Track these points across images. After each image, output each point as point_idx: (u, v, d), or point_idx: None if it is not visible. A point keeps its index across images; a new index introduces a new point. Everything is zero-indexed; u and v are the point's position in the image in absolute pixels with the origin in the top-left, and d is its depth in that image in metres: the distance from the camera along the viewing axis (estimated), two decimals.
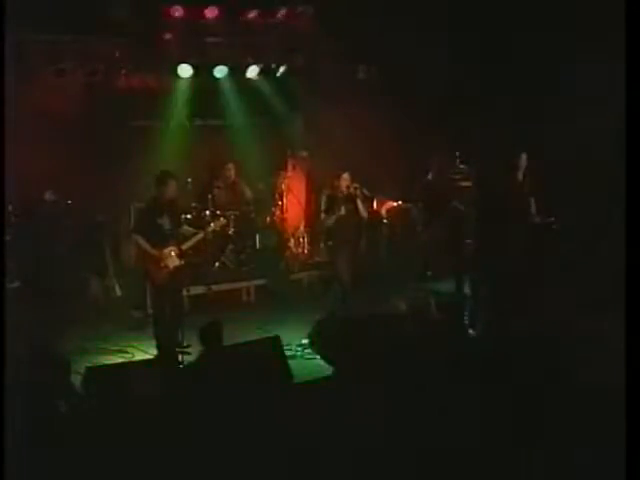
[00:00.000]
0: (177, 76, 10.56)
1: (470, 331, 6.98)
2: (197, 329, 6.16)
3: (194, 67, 10.50)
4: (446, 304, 6.74)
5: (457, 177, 10.60)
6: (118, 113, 10.36)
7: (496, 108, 10.26)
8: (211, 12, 10.15)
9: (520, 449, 3.61)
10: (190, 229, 8.39)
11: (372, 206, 10.83)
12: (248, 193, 10.82)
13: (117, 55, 10.08)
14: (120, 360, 7.60)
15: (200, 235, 8.25)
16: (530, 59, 10.10)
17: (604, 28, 8.29)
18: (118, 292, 9.55)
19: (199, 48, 10.52)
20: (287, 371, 5.97)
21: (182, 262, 7.99)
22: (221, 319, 6.22)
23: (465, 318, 7.46)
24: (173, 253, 7.88)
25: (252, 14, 10.46)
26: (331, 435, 3.70)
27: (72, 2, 9.07)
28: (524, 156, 9.35)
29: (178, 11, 9.94)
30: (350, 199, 8.78)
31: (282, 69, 11.14)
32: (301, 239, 11.43)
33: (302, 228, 11.55)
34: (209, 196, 10.42)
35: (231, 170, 10.72)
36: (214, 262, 10.43)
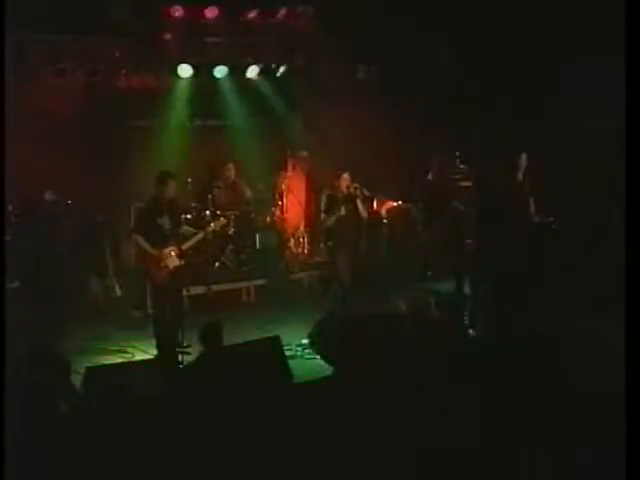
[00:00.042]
0: (177, 76, 10.56)
1: (470, 331, 6.98)
2: (197, 329, 6.16)
3: (194, 67, 10.50)
4: (446, 304, 6.74)
5: (457, 177, 10.60)
6: (118, 113, 10.36)
7: (496, 108, 10.27)
8: (211, 12, 10.15)
9: (520, 449, 3.61)
10: (190, 229, 8.39)
11: (372, 206, 10.83)
12: (248, 193, 10.82)
13: (117, 55, 10.08)
14: (120, 360, 7.60)
15: (200, 235, 8.25)
16: (530, 59, 10.10)
17: (604, 28, 8.29)
18: (118, 292, 9.55)
19: (199, 48, 10.52)
20: (287, 371, 5.97)
21: (182, 262, 7.99)
22: (221, 319, 6.22)
23: (465, 318, 7.46)
24: (173, 253, 7.88)
25: (252, 14, 10.47)
26: (331, 435, 3.70)
27: (72, 2, 9.07)
28: (524, 156, 9.35)
29: (178, 11, 9.95)
30: (350, 199, 8.78)
31: (282, 69, 11.14)
32: (301, 239, 11.43)
33: (302, 228, 11.55)
34: (209, 196, 10.42)
35: (231, 170, 10.72)
36: (214, 262, 10.43)
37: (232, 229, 10.48)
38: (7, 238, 8.30)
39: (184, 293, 8.59)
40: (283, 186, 11.40)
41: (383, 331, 4.84)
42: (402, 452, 3.65)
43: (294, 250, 11.36)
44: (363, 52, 11.25)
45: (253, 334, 7.62)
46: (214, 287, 9.86)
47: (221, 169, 10.75)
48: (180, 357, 7.26)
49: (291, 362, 6.37)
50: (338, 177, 8.83)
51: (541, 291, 8.08)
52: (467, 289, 8.96)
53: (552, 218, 9.15)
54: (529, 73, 10.19)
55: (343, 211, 8.74)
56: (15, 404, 4.06)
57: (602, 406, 3.86)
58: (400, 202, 11.19)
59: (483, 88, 10.61)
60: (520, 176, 9.21)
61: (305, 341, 7.40)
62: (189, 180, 10.43)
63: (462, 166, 11.08)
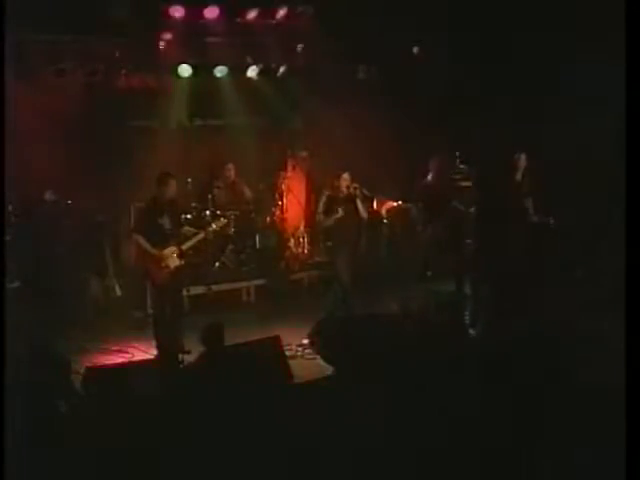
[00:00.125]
0: (177, 76, 10.55)
1: (470, 331, 6.98)
2: (197, 329, 6.16)
3: (194, 67, 10.48)
4: (446, 304, 6.75)
5: (457, 177, 10.60)
6: (118, 113, 10.35)
7: (496, 108, 10.26)
8: (211, 12, 10.13)
9: (520, 448, 3.61)
10: (190, 229, 8.39)
11: (372, 206, 10.82)
12: (248, 193, 10.81)
13: (117, 55, 10.06)
14: (120, 360, 7.60)
15: (201, 235, 8.24)
16: (530, 59, 10.10)
17: (604, 28, 8.29)
18: (118, 292, 9.55)
19: (199, 48, 10.50)
20: (287, 371, 5.97)
21: (182, 262, 7.99)
22: (221, 319, 6.22)
23: (465, 318, 7.47)
24: (174, 253, 7.88)
25: (252, 14, 10.45)
26: (331, 435, 3.70)
27: (72, 2, 9.06)
28: (524, 156, 9.36)
29: (178, 11, 9.93)
30: (350, 199, 8.78)
31: (282, 69, 11.13)
32: (301, 239, 11.42)
33: (302, 228, 11.54)
34: (209, 196, 10.42)
35: (231, 170, 10.71)
36: (214, 262, 10.43)
37: (232, 229, 10.48)
38: (7, 238, 8.30)
39: (184, 293, 8.59)
40: (283, 186, 11.39)
41: (383, 331, 4.84)
42: (402, 451, 3.65)
43: (294, 250, 11.35)
44: (363, 52, 11.24)
45: (253, 334, 7.61)
46: (214, 287, 9.87)
47: (221, 169, 10.74)
48: (180, 357, 7.26)
49: (291, 362, 6.37)
50: (338, 177, 8.83)
51: (541, 291, 8.08)
52: (467, 289, 8.96)
53: (552, 218, 9.16)
54: (529, 73, 10.19)
55: (343, 211, 8.74)
56: (15, 404, 4.06)
57: (602, 406, 3.87)
58: (400, 202, 11.18)
59: (483, 88, 10.60)
60: (520, 176, 9.22)
61: (305, 341, 7.40)
62: (189, 180, 10.42)
63: (462, 166, 11.08)
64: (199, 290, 9.73)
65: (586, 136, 9.23)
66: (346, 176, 8.80)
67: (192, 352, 7.37)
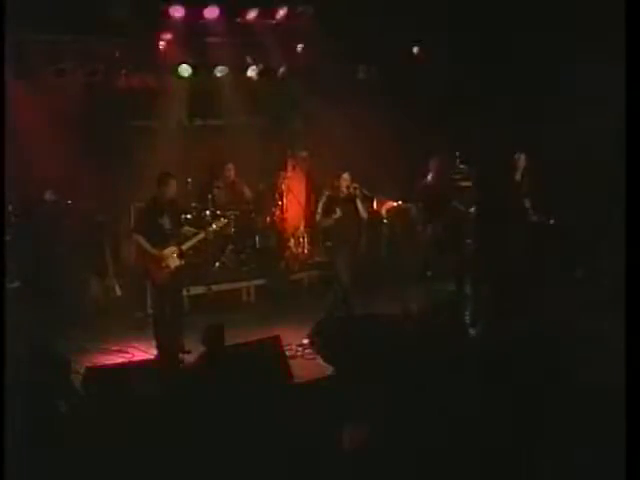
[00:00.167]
0: (177, 76, 10.54)
1: (470, 331, 6.98)
2: (197, 329, 6.16)
3: (194, 67, 10.48)
4: (446, 304, 6.75)
5: (457, 177, 10.60)
6: (118, 113, 10.35)
7: (496, 108, 10.26)
8: (211, 12, 10.13)
9: (520, 448, 3.61)
10: (190, 229, 8.39)
11: (372, 206, 10.82)
12: (248, 193, 10.81)
13: (117, 55, 10.06)
14: (120, 360, 7.60)
15: (201, 235, 8.25)
16: (530, 59, 10.10)
17: (604, 28, 8.29)
18: (118, 292, 9.55)
19: (199, 48, 10.50)
20: (287, 371, 5.97)
21: (183, 262, 7.99)
22: (221, 319, 6.23)
23: (465, 318, 7.47)
24: (174, 253, 7.89)
25: (252, 14, 10.45)
26: (331, 434, 3.70)
27: (72, 2, 9.06)
28: (523, 156, 9.36)
29: (178, 11, 9.92)
30: (350, 199, 8.78)
31: (282, 69, 11.13)
32: (301, 239, 11.42)
33: (302, 228, 11.55)
34: (209, 196, 10.42)
35: (231, 170, 10.71)
36: (214, 262, 10.43)
37: (232, 229, 10.47)
38: (7, 238, 8.30)
39: (184, 293, 8.58)
40: (283, 186, 11.39)
41: (383, 331, 4.84)
42: (402, 451, 3.65)
43: (294, 250, 11.35)
44: (363, 52, 11.24)
45: (253, 334, 7.61)
46: (214, 287, 9.87)
47: (221, 169, 10.74)
48: (180, 357, 7.26)
49: (291, 362, 6.37)
50: (338, 177, 8.83)
51: (541, 291, 8.08)
52: (467, 289, 8.95)
53: (552, 218, 9.16)
54: (529, 73, 10.18)
55: (343, 211, 8.74)
56: (15, 404, 4.06)
57: (602, 406, 3.87)
58: (400, 202, 11.18)
59: (483, 88, 10.60)
60: (520, 176, 9.23)
61: (305, 341, 7.40)
62: (189, 180, 10.42)
63: (462, 166, 11.08)
64: (199, 290, 9.73)
65: (586, 136, 9.22)
66: (346, 176, 8.80)
67: (192, 352, 7.38)
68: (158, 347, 7.86)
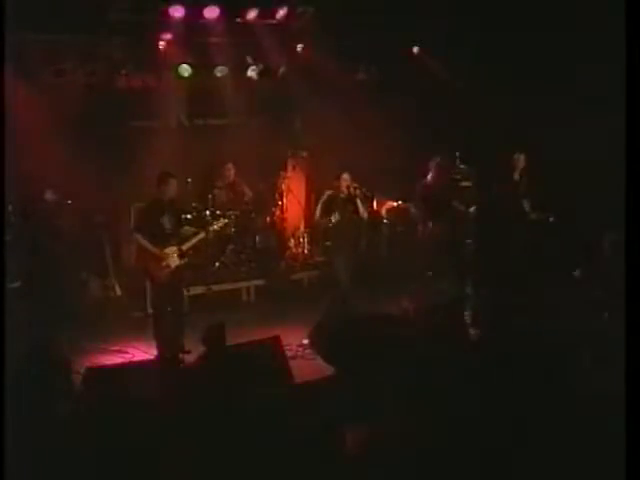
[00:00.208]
0: (177, 76, 10.55)
1: (470, 331, 6.98)
2: (197, 329, 6.15)
3: (194, 67, 10.48)
4: (446, 304, 6.74)
5: (457, 177, 10.60)
6: (118, 113, 10.35)
7: (496, 108, 10.26)
8: (211, 12, 10.13)
9: (520, 448, 3.61)
10: (191, 229, 8.39)
11: (372, 206, 10.82)
12: (248, 193, 10.81)
13: (117, 55, 10.07)
14: (120, 360, 7.60)
15: (202, 235, 8.25)
16: (530, 59, 10.09)
17: (604, 28, 8.29)
18: (118, 292, 9.55)
19: (199, 48, 10.51)
20: (287, 371, 5.97)
21: (183, 262, 8.00)
22: (221, 319, 6.22)
23: (465, 318, 7.47)
24: (174, 253, 7.89)
25: (252, 14, 10.45)
26: (332, 435, 3.70)
27: (72, 2, 9.06)
28: (523, 156, 9.36)
29: (178, 11, 9.93)
30: (350, 199, 8.78)
31: (282, 69, 11.13)
32: (301, 239, 11.42)
33: (302, 228, 11.55)
34: (209, 196, 10.42)
35: (231, 170, 10.71)
36: (214, 262, 10.43)
37: (232, 229, 10.48)
38: (7, 238, 8.30)
39: (184, 293, 8.58)
40: (283, 186, 11.39)
41: (383, 331, 4.84)
42: (402, 451, 3.65)
43: (294, 250, 11.36)
44: (363, 52, 11.25)
45: (253, 334, 7.61)
46: (214, 287, 9.87)
47: (221, 169, 10.74)
48: (180, 357, 7.26)
49: (291, 362, 6.36)
50: (338, 177, 8.83)
51: (541, 291, 8.08)
52: (467, 289, 8.96)
53: (552, 218, 9.16)
54: (529, 73, 10.18)
55: (343, 211, 8.74)
56: (15, 404, 4.06)
57: (602, 406, 3.87)
58: (400, 202, 11.19)
59: (483, 88, 10.60)
60: (520, 176, 9.22)
61: (305, 341, 7.40)
62: (189, 180, 10.42)
63: (462, 166, 11.08)
64: (199, 290, 9.73)
65: (586, 136, 9.22)
66: (346, 176, 8.81)
67: (192, 352, 7.38)
68: (158, 347, 7.86)
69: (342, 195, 8.81)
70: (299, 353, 7.68)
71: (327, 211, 8.87)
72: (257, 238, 11.02)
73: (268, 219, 11.26)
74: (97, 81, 10.09)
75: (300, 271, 11.01)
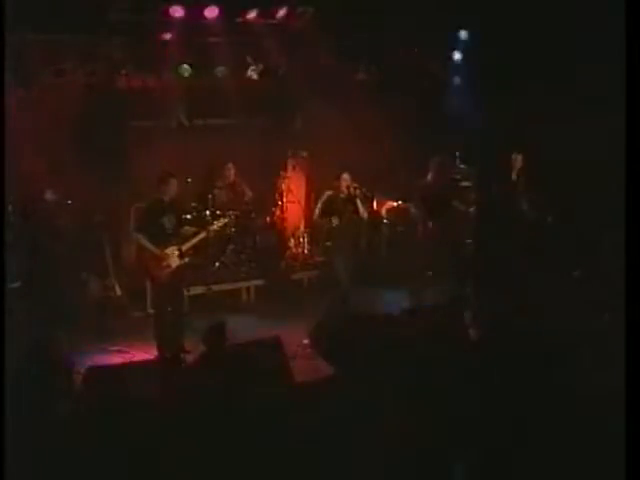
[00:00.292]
0: (177, 76, 10.55)
1: (470, 331, 6.97)
2: (197, 329, 6.16)
3: (194, 67, 10.49)
4: (446, 304, 6.74)
5: (457, 177, 10.60)
6: (118, 113, 10.35)
7: (496, 108, 10.26)
8: (211, 12, 10.13)
9: (520, 448, 3.61)
10: (191, 229, 8.39)
11: (372, 206, 10.83)
12: (248, 193, 10.81)
13: (117, 55, 10.06)
14: (120, 360, 7.60)
15: (202, 235, 8.26)
16: (530, 59, 10.09)
17: (604, 28, 8.29)
18: (118, 292, 9.55)
19: (199, 48, 10.51)
20: (287, 371, 5.97)
21: (184, 262, 8.00)
22: (221, 319, 6.22)
23: (465, 318, 7.46)
24: (175, 252, 7.89)
25: (252, 14, 10.45)
26: (332, 435, 3.70)
27: (72, 2, 9.06)
28: (520, 156, 9.37)
29: (178, 11, 9.93)
30: (350, 199, 8.78)
31: (282, 69, 11.13)
32: (301, 239, 11.42)
33: (302, 228, 11.55)
34: (209, 196, 10.42)
35: (231, 170, 10.71)
36: (214, 262, 10.43)
37: (232, 229, 10.48)
38: (7, 238, 8.30)
39: (184, 293, 8.59)
40: (283, 186, 11.39)
41: (383, 331, 4.84)
42: (403, 451, 3.65)
43: (294, 250, 11.36)
44: (363, 52, 11.25)
45: (253, 334, 7.61)
46: (214, 287, 9.87)
47: (221, 169, 10.74)
48: (180, 357, 7.26)
49: (291, 362, 6.36)
50: (338, 177, 8.83)
51: (541, 291, 8.08)
52: (467, 289, 8.96)
53: (552, 218, 9.16)
54: (529, 73, 10.18)
55: (343, 211, 8.75)
56: (15, 404, 4.06)
57: (602, 406, 3.86)
58: (400, 202, 11.19)
59: (483, 88, 10.60)
60: (520, 176, 9.22)
61: (305, 341, 7.40)
62: (189, 180, 10.42)
63: (462, 166, 11.09)
64: (199, 290, 9.73)
65: (586, 136, 9.22)
66: (346, 176, 8.81)
67: (192, 352, 7.38)
68: (158, 347, 7.86)
69: (342, 195, 8.82)
70: (299, 353, 7.68)
71: (327, 211, 8.88)
72: (257, 238, 11.01)
73: (268, 219, 11.26)
74: (97, 81, 10.09)
75: (300, 271, 11.01)
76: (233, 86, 11.08)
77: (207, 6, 10.06)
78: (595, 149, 9.11)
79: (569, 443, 3.63)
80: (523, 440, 3.63)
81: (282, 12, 10.60)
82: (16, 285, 8.51)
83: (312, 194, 11.40)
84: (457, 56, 11.58)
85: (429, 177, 9.69)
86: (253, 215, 10.98)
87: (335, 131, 10.98)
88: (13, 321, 6.29)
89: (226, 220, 9.01)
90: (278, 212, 11.35)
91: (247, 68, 10.96)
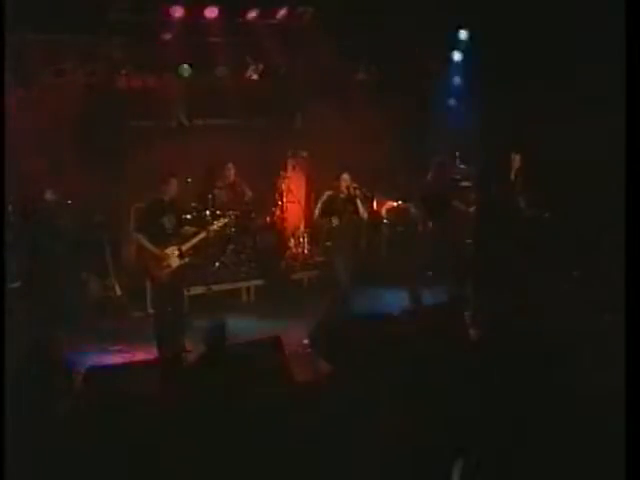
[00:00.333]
0: (177, 76, 10.55)
1: (470, 331, 6.98)
2: (197, 329, 6.16)
3: (194, 67, 10.49)
4: (446, 304, 6.74)
5: (457, 177, 10.60)
6: (118, 113, 10.35)
7: (497, 108, 10.26)
8: (211, 12, 10.14)
9: (519, 448, 3.61)
10: (192, 229, 8.40)
11: (372, 206, 10.83)
12: (248, 193, 10.81)
13: (117, 55, 10.07)
14: (120, 360, 7.60)
15: (202, 235, 8.26)
16: (530, 59, 10.10)
17: (604, 28, 8.29)
18: (118, 292, 9.55)
19: (199, 48, 10.51)
20: (287, 371, 5.97)
21: (184, 262, 8.00)
22: (221, 319, 6.22)
23: (465, 318, 7.47)
24: (176, 252, 7.89)
25: (252, 14, 10.45)
26: (332, 435, 3.70)
27: (72, 2, 9.06)
28: (519, 156, 9.36)
29: (178, 11, 9.94)
30: (350, 199, 8.78)
31: (282, 69, 11.13)
32: (301, 239, 11.43)
33: (302, 228, 11.55)
34: (209, 196, 10.42)
35: (231, 170, 10.71)
36: (214, 262, 10.43)
37: (232, 229, 10.48)
38: (7, 238, 8.30)
39: (184, 293, 8.59)
40: (283, 186, 11.40)
41: (383, 331, 4.84)
42: (403, 451, 3.65)
43: (294, 250, 11.36)
44: (363, 52, 11.25)
45: (253, 334, 7.61)
46: (214, 287, 9.87)
47: (221, 169, 10.74)
48: (181, 357, 7.25)
49: (291, 362, 6.36)
50: (338, 177, 8.84)
51: (541, 291, 8.08)
52: (467, 289, 8.96)
53: (552, 218, 9.16)
54: (529, 73, 10.18)
55: (343, 211, 8.75)
56: (15, 404, 4.07)
57: (602, 407, 3.86)
58: (400, 202, 11.19)
59: (482, 88, 10.61)
60: (520, 176, 9.22)
61: (305, 341, 7.39)
62: (189, 180, 10.42)
63: (462, 166, 11.09)
64: (199, 290, 9.73)
65: (586, 136, 9.23)
66: (346, 176, 8.81)
67: (192, 352, 7.38)
68: (158, 347, 7.86)
69: (342, 195, 8.82)
70: (299, 353, 7.67)
71: (327, 211, 8.88)
72: (257, 238, 11.02)
73: (268, 219, 11.27)
74: (97, 81, 10.10)
75: (300, 271, 11.02)
76: (233, 86, 11.09)
77: (207, 6, 10.07)
78: (595, 149, 9.11)
79: (569, 443, 3.63)
80: (523, 440, 3.62)
81: (282, 12, 10.60)
82: (16, 285, 8.51)
83: (312, 194, 11.40)
84: (457, 56, 11.59)
85: (429, 177, 9.69)
86: (253, 215, 10.98)
87: (335, 131, 10.98)
88: (13, 321, 6.29)
89: (226, 220, 9.00)
90: (278, 212, 11.35)
91: (247, 68, 10.96)
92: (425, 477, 3.64)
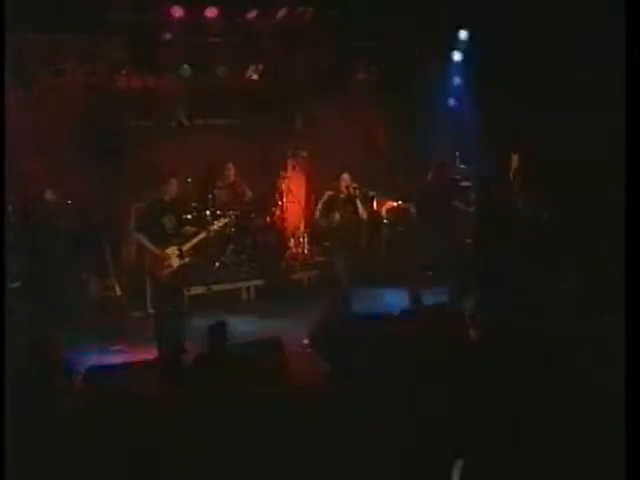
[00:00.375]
0: (177, 76, 10.55)
1: (470, 331, 6.98)
2: (197, 329, 6.16)
3: (194, 67, 10.49)
4: (446, 304, 6.74)
5: (457, 177, 10.60)
6: (118, 113, 10.35)
7: (497, 108, 10.27)
8: (211, 12, 10.14)
9: (519, 448, 3.61)
10: (192, 229, 8.40)
11: (372, 206, 10.83)
12: (248, 193, 10.81)
13: (117, 55, 10.07)
14: (120, 360, 7.60)
15: (203, 234, 8.26)
16: (530, 59, 10.10)
17: (604, 28, 8.29)
18: (118, 292, 9.55)
19: (199, 48, 10.51)
20: (287, 371, 5.97)
21: (184, 261, 8.00)
22: (222, 319, 6.22)
23: (465, 318, 7.47)
24: (176, 252, 7.90)
25: (252, 14, 10.45)
26: (332, 435, 3.70)
27: (72, 2, 9.07)
28: (522, 156, 9.37)
29: (178, 11, 9.94)
30: (350, 199, 8.79)
31: (282, 69, 11.13)
32: (301, 239, 11.43)
33: (302, 228, 11.56)
34: (209, 196, 10.42)
35: (231, 170, 10.72)
36: (214, 262, 10.43)
37: (232, 229, 10.48)
38: (7, 238, 8.30)
39: (185, 293, 8.59)
40: (283, 186, 11.40)
41: (383, 331, 4.84)
42: (402, 451, 3.65)
43: (294, 250, 11.36)
44: (363, 52, 11.25)
45: (253, 334, 7.62)
46: (214, 287, 9.88)
47: (221, 169, 10.74)
48: (180, 357, 7.25)
49: (291, 362, 6.36)
50: (338, 177, 8.84)
51: (541, 291, 8.08)
52: (467, 289, 8.95)
53: (552, 218, 9.16)
54: (530, 73, 10.19)
55: (343, 211, 8.75)
56: (15, 404, 4.06)
57: (602, 407, 3.86)
58: (400, 202, 11.19)
59: (482, 88, 10.61)
60: (519, 176, 9.22)
61: (305, 341, 7.39)
62: (189, 180, 10.42)
63: (462, 166, 11.09)
64: (199, 290, 9.73)
65: (586, 136, 9.23)
66: (346, 176, 8.82)
67: (192, 351, 7.38)
68: (158, 347, 7.86)
69: (342, 195, 8.82)
70: (299, 353, 7.67)
71: (327, 211, 8.88)
72: (257, 238, 11.02)
73: (268, 219, 11.27)
74: (97, 81, 10.10)
75: (300, 271, 11.02)
76: (233, 86, 11.10)
77: (207, 6, 10.07)
78: (595, 149, 9.11)
79: (569, 443, 3.63)
80: (523, 440, 3.62)
81: (282, 12, 10.60)
82: (16, 285, 8.51)
83: (312, 194, 11.40)
84: (457, 56, 11.60)
85: (429, 177, 9.69)
86: (253, 215, 10.98)
87: (335, 131, 10.98)
88: (13, 321, 6.29)
89: (226, 220, 9.01)
90: (278, 212, 11.36)
91: (247, 68, 10.96)
92: (425, 477, 3.64)
